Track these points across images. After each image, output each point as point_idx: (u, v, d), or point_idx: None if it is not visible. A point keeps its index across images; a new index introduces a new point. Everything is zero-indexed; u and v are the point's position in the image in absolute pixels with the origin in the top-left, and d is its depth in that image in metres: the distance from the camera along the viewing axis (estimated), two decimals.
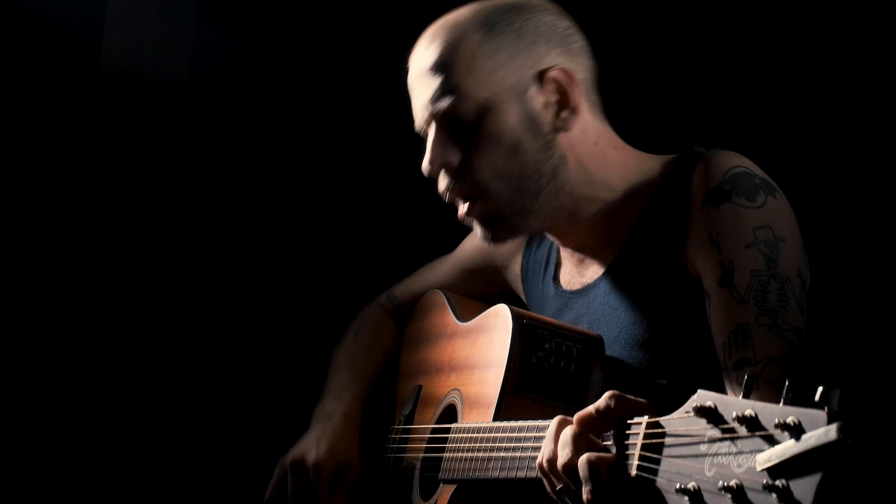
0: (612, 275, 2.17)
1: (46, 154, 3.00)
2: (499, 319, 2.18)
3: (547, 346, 2.09)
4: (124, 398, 3.08)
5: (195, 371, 3.16)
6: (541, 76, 2.14)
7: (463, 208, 2.21)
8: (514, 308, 2.17)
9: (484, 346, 2.23)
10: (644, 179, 2.18)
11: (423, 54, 2.20)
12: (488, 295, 2.51)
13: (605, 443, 1.61)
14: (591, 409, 1.63)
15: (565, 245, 2.29)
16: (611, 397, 1.62)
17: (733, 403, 1.35)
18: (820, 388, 1.23)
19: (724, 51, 2.99)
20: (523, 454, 1.91)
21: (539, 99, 2.14)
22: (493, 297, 2.46)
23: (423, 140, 2.22)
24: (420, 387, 2.44)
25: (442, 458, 2.20)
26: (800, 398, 1.28)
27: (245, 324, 3.22)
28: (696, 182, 2.07)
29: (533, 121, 2.14)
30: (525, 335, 2.09)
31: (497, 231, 2.20)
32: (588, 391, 2.08)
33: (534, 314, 2.21)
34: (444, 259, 2.66)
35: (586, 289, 2.22)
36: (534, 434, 1.90)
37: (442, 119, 2.16)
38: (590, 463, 1.57)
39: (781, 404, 1.28)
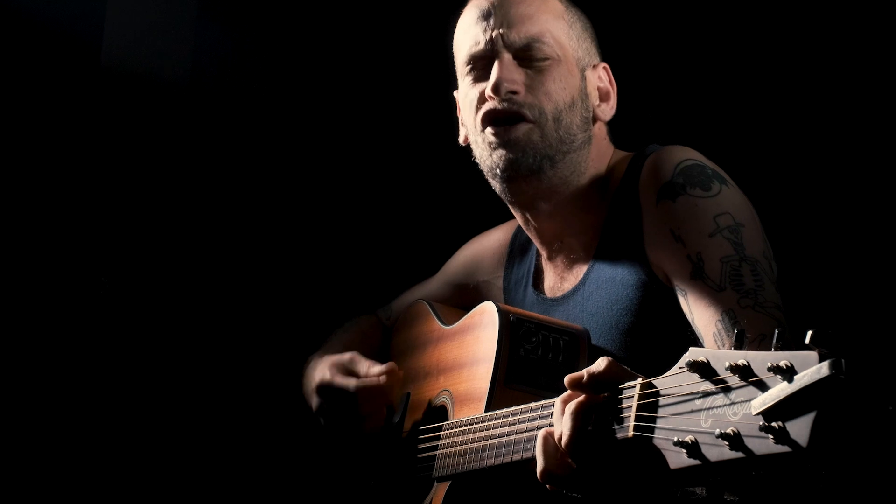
0: (587, 283, 2.20)
1: (47, 153, 3.01)
2: (485, 316, 2.20)
3: (534, 338, 2.10)
4: (124, 397, 3.07)
5: (194, 371, 3.16)
6: (598, 65, 2.30)
7: (506, 131, 2.21)
8: (500, 304, 2.18)
9: (471, 344, 2.24)
10: (609, 174, 2.25)
11: None
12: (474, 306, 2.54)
13: (602, 398, 1.60)
14: (582, 371, 1.63)
15: (542, 237, 2.32)
16: (603, 361, 1.62)
17: (725, 355, 1.35)
18: (810, 332, 1.23)
19: (698, 49, 3.01)
20: (518, 437, 1.90)
21: (593, 80, 2.28)
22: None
23: (477, 65, 2.26)
24: (408, 394, 2.44)
25: (435, 456, 2.19)
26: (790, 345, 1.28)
27: (244, 324, 3.22)
28: (645, 180, 2.11)
29: (585, 93, 2.26)
30: (512, 329, 2.10)
31: (525, 157, 2.20)
32: None
33: (520, 310, 2.22)
34: (432, 277, 2.71)
35: (565, 297, 2.25)
36: (527, 415, 1.89)
37: (520, 50, 2.23)
38: (577, 421, 1.58)
39: (773, 351, 1.28)
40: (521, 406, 1.91)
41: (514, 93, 2.19)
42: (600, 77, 2.29)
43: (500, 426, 1.96)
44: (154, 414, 3.10)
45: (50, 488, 2.98)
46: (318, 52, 3.26)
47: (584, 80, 2.25)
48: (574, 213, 2.24)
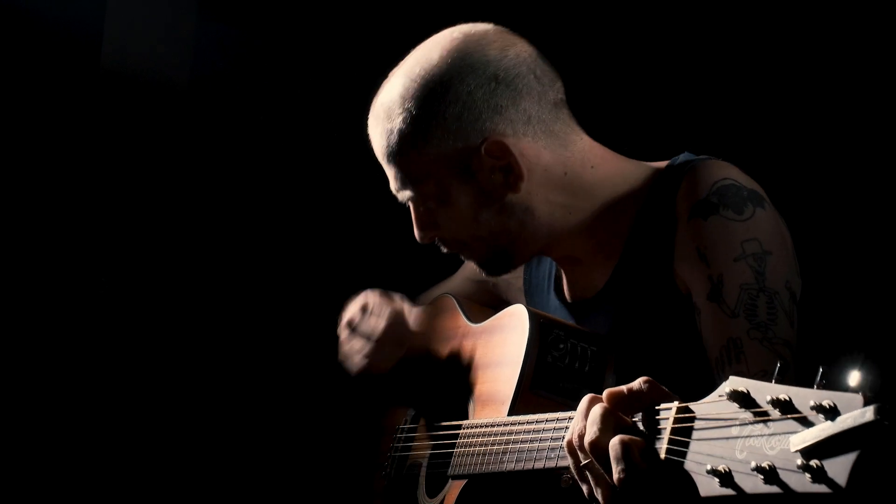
0: (609, 292, 2.19)
1: (46, 154, 3.00)
2: (514, 319, 2.18)
3: (562, 346, 2.09)
4: (124, 398, 3.08)
5: (195, 371, 3.16)
6: (478, 149, 2.11)
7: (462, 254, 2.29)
8: (530, 308, 2.16)
9: (498, 346, 2.23)
10: (630, 189, 2.17)
11: (372, 135, 2.21)
12: (495, 305, 2.53)
13: (634, 420, 1.59)
14: (622, 387, 1.61)
15: (558, 261, 2.32)
16: (644, 381, 1.60)
17: (767, 388, 1.35)
18: (856, 373, 1.25)
19: (713, 53, 3.02)
20: (542, 444, 1.90)
21: (484, 168, 2.12)
22: (500, 306, 2.49)
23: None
24: None
25: (452, 453, 2.18)
26: (829, 384, 1.29)
27: (245, 324, 3.23)
28: (683, 195, 2.08)
29: (483, 193, 2.14)
30: (542, 334, 2.09)
31: (491, 267, 2.26)
32: (602, 392, 2.08)
33: (550, 315, 2.20)
34: (453, 275, 2.70)
35: (586, 303, 2.24)
36: (553, 425, 1.89)
37: (410, 202, 2.21)
38: (622, 443, 1.55)
39: (815, 388, 1.30)
40: (548, 415, 1.91)
41: (434, 237, 2.22)
42: (489, 153, 2.10)
43: (525, 432, 1.96)
44: (155, 414, 3.11)
45: (50, 488, 2.99)
46: (319, 51, 3.26)
47: (472, 180, 2.13)
48: (583, 243, 2.21)
